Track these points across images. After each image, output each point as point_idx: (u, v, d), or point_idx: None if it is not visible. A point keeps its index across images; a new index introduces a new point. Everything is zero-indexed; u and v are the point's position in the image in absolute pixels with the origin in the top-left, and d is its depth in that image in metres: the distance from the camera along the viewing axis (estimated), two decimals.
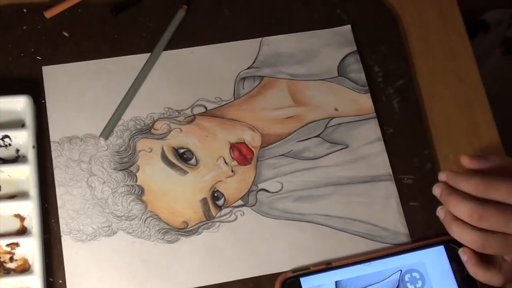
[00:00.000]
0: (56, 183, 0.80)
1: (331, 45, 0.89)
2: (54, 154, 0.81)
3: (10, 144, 0.81)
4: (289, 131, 0.85)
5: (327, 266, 0.78)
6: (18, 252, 0.77)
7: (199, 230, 0.80)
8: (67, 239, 0.78)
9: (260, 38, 0.88)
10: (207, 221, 0.80)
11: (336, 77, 0.88)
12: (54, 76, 0.84)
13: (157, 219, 0.79)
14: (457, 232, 0.76)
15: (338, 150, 0.84)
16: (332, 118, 0.86)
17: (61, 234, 0.78)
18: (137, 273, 0.77)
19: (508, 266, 0.76)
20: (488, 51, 1.25)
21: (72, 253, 0.77)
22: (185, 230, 0.79)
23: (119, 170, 0.81)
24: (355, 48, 0.89)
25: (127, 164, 0.81)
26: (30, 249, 0.76)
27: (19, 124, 0.81)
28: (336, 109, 0.86)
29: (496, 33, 1.27)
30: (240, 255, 0.79)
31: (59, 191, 0.80)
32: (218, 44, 0.87)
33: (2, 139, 0.80)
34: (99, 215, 0.79)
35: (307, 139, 0.85)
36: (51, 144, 0.81)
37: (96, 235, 0.78)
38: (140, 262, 0.78)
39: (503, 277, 0.75)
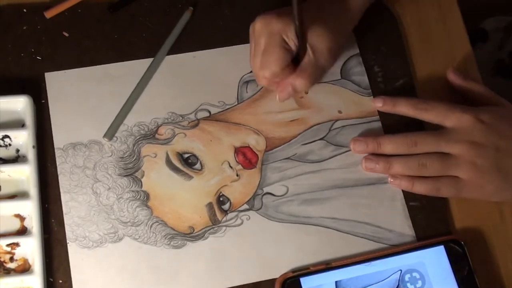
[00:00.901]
0: (61, 189, 0.79)
1: None
2: (58, 161, 0.81)
3: (10, 144, 0.81)
4: (293, 134, 0.85)
5: (327, 266, 0.78)
6: (18, 252, 0.77)
7: (205, 235, 0.79)
8: (73, 246, 0.78)
9: None
10: (213, 226, 0.80)
11: (339, 79, 0.88)
12: (56, 82, 0.83)
13: (163, 225, 0.79)
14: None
15: (343, 152, 0.84)
16: (336, 120, 0.86)
17: (67, 241, 0.78)
18: (144, 279, 0.77)
19: None
20: (487, 61, 1.25)
21: (78, 260, 0.77)
22: (191, 235, 0.79)
23: (124, 176, 0.81)
24: (357, 50, 0.89)
25: (132, 169, 0.81)
26: (30, 249, 0.76)
27: (19, 124, 0.81)
28: (339, 112, 0.86)
29: (495, 42, 1.27)
30: (247, 260, 0.79)
31: (64, 197, 0.79)
32: (220, 48, 0.87)
33: (2, 139, 0.80)
34: (104, 221, 0.79)
35: (312, 142, 0.85)
36: (55, 150, 0.81)
37: (102, 241, 0.78)
38: (147, 268, 0.78)
39: None
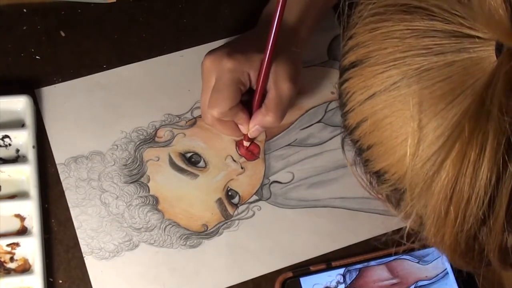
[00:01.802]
0: (69, 205, 0.79)
1: (317, 30, 0.89)
2: (62, 176, 0.80)
3: (10, 144, 0.80)
4: (291, 120, 0.85)
5: (327, 266, 0.79)
6: (19, 252, 0.77)
7: (219, 231, 0.80)
8: (90, 259, 0.77)
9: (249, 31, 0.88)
10: (226, 221, 0.80)
11: (327, 60, 0.89)
12: (48, 97, 0.83)
13: (177, 226, 0.79)
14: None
15: (342, 132, 0.85)
16: (330, 102, 0.87)
17: (83, 255, 0.77)
18: (166, 282, 0.77)
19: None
20: None
21: (97, 272, 0.77)
22: (206, 232, 0.80)
23: (130, 182, 0.81)
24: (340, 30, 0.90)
25: (137, 175, 0.81)
26: (31, 249, 0.76)
27: (19, 124, 0.81)
28: (332, 93, 0.87)
29: None
30: (264, 250, 0.79)
31: (73, 212, 0.79)
32: (206, 44, 0.87)
33: (2, 139, 0.80)
34: (118, 230, 0.79)
35: (310, 125, 0.85)
36: (58, 166, 0.80)
37: (118, 250, 0.78)
38: (167, 271, 0.78)
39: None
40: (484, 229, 0.47)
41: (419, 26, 0.47)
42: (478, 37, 0.45)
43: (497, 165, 0.44)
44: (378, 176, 0.54)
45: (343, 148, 0.58)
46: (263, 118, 0.77)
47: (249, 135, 0.80)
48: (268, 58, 0.74)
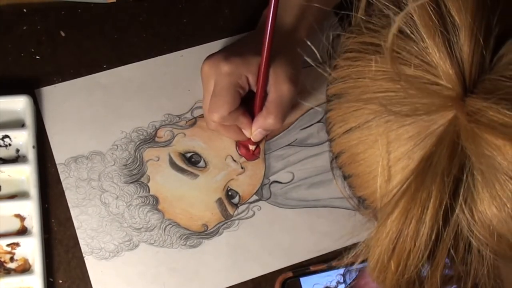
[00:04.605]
0: (69, 204, 0.79)
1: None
2: (62, 176, 0.80)
3: (10, 144, 0.80)
4: (291, 120, 0.85)
5: (327, 266, 0.79)
6: (19, 252, 0.77)
7: (219, 231, 0.80)
8: (90, 259, 0.77)
9: (247, 33, 0.88)
10: (226, 221, 0.80)
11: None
12: (48, 97, 0.83)
13: (177, 226, 0.79)
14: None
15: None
16: None
17: (84, 255, 0.77)
18: (166, 282, 0.77)
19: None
20: None
21: (97, 272, 0.77)
22: (206, 232, 0.80)
23: (130, 182, 0.81)
24: (339, 29, 0.90)
25: (137, 175, 0.81)
26: (31, 249, 0.76)
27: (19, 124, 0.81)
28: None
29: None
30: (265, 249, 0.79)
31: (73, 212, 0.79)
32: (206, 44, 0.87)
33: (2, 139, 0.80)
34: (118, 230, 0.79)
35: (310, 125, 0.86)
36: (58, 166, 0.80)
37: (118, 250, 0.78)
38: (167, 271, 0.78)
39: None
40: (423, 275, 0.50)
41: (389, 68, 0.47)
42: (442, 85, 0.46)
43: (437, 223, 0.47)
44: (361, 201, 0.56)
45: (332, 169, 0.59)
46: (264, 121, 0.77)
47: (252, 138, 0.80)
48: (265, 60, 0.74)
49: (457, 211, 0.46)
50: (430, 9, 0.47)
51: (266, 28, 0.73)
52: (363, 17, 0.53)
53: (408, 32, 0.48)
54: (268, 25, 0.72)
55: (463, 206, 0.46)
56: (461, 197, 0.46)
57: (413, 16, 0.47)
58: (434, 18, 0.47)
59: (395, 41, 0.47)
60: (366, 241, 0.52)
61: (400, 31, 0.48)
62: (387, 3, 0.50)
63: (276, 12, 0.72)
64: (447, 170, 0.46)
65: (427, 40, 0.47)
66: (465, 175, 0.46)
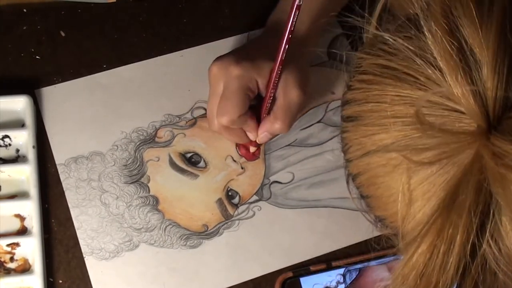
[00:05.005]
0: (70, 205, 0.79)
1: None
2: (62, 177, 0.80)
3: (10, 144, 0.80)
4: None
5: (327, 266, 0.79)
6: (19, 252, 0.77)
7: (220, 231, 0.80)
8: (90, 260, 0.77)
9: (247, 33, 0.88)
10: (226, 221, 0.80)
11: (327, 61, 0.89)
12: (48, 98, 0.83)
13: (177, 226, 0.79)
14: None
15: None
16: (331, 102, 0.87)
17: (84, 255, 0.77)
18: (166, 282, 0.77)
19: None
20: None
21: (98, 272, 0.77)
22: (206, 233, 0.80)
23: (130, 183, 0.81)
24: (340, 30, 0.90)
25: (137, 176, 0.81)
26: (31, 249, 0.76)
27: (19, 124, 0.81)
28: (333, 93, 0.87)
29: None
30: (265, 250, 0.79)
31: (73, 213, 0.79)
32: (206, 44, 0.87)
33: (2, 139, 0.80)
34: (118, 231, 0.79)
35: (310, 126, 0.85)
36: (58, 167, 0.80)
37: (118, 251, 0.78)
38: (167, 271, 0.78)
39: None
40: None
41: (408, 94, 0.47)
42: (463, 112, 0.46)
43: (465, 257, 0.47)
44: (380, 220, 0.56)
45: (347, 182, 0.59)
46: (271, 126, 0.77)
47: (257, 141, 0.79)
48: (278, 64, 0.74)
49: (484, 246, 0.46)
50: (451, 47, 0.46)
51: (283, 35, 0.72)
52: (377, 36, 0.52)
53: (430, 72, 0.47)
54: (287, 31, 0.72)
55: (490, 241, 0.46)
56: (487, 233, 0.46)
57: (433, 53, 0.47)
58: (455, 56, 0.46)
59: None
60: (394, 272, 0.52)
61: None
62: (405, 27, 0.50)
63: (296, 19, 0.71)
64: (474, 206, 0.45)
65: (448, 77, 0.46)
66: (491, 211, 0.46)
